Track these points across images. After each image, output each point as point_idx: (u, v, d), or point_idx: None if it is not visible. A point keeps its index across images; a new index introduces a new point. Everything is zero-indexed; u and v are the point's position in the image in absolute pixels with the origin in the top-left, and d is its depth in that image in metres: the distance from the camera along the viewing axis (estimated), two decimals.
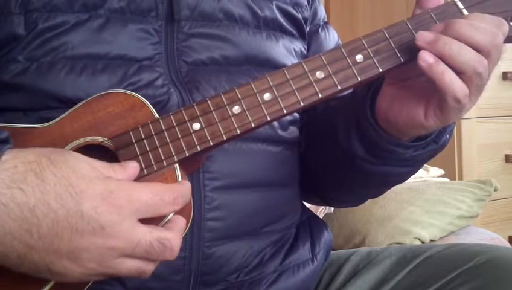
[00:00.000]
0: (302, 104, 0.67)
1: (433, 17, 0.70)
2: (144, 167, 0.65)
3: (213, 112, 0.66)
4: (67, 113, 0.68)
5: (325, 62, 0.68)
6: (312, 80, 0.68)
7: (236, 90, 0.67)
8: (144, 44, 0.76)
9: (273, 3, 0.87)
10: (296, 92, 0.67)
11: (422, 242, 1.56)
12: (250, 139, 0.78)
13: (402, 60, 0.69)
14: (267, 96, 0.67)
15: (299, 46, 0.90)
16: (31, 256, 0.57)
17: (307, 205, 0.95)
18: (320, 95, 0.67)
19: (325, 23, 0.97)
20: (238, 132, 0.66)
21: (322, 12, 0.97)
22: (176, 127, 0.66)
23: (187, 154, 0.65)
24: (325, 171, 0.88)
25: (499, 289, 0.74)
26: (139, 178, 0.63)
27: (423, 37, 0.66)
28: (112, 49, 0.74)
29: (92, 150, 0.65)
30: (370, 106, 0.77)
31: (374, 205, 1.62)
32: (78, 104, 0.68)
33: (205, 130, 0.66)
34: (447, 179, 1.89)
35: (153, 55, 0.76)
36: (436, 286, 0.79)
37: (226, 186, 0.76)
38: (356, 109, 0.78)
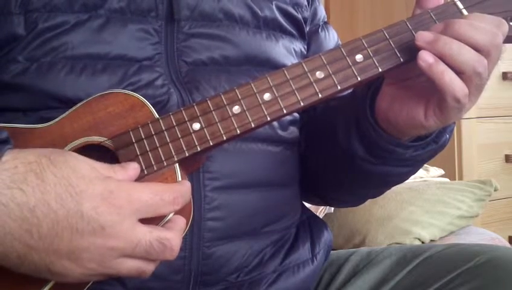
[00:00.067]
0: (302, 104, 0.67)
1: (433, 17, 0.70)
2: (143, 167, 0.65)
3: (213, 112, 0.66)
4: (67, 113, 0.68)
5: (325, 62, 0.68)
6: (312, 80, 0.68)
7: (236, 90, 0.67)
8: (143, 44, 0.76)
9: (273, 3, 0.87)
10: (296, 92, 0.67)
11: (422, 242, 1.56)
12: (250, 139, 0.78)
13: (402, 60, 0.69)
14: (267, 96, 0.67)
15: (299, 46, 0.90)
16: (31, 256, 0.57)
17: (307, 205, 0.95)
18: (320, 95, 0.67)
19: (325, 23, 0.97)
20: (238, 132, 0.66)
21: (321, 12, 0.97)
22: (176, 127, 0.66)
23: (187, 154, 0.65)
24: (325, 171, 0.88)
25: (499, 289, 0.74)
26: (139, 178, 0.63)
27: (423, 37, 0.66)
28: (112, 49, 0.74)
29: (92, 150, 0.65)
30: (370, 106, 0.77)
31: (374, 205, 1.62)
32: (78, 104, 0.68)
33: (205, 130, 0.66)
34: (447, 179, 1.89)
35: (153, 55, 0.76)
36: (436, 286, 0.79)
37: (226, 186, 0.76)
38: (356, 109, 0.78)
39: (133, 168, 0.63)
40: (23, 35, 0.71)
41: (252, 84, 0.67)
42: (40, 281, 0.60)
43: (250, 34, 0.83)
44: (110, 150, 0.66)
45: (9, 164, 0.57)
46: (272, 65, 0.82)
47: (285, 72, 0.68)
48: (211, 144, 0.66)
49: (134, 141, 0.65)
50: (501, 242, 1.60)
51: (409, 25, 0.70)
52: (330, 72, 0.68)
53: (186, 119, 0.66)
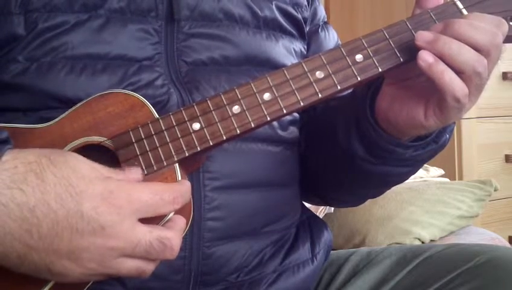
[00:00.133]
0: (301, 104, 0.67)
1: (433, 16, 0.70)
2: (143, 166, 0.65)
3: (213, 112, 0.66)
4: (67, 113, 0.68)
5: (325, 62, 0.68)
6: (312, 80, 0.68)
7: (236, 90, 0.67)
8: (143, 44, 0.76)
9: (273, 3, 0.87)
10: (295, 92, 0.67)
11: (422, 242, 1.56)
12: (250, 139, 0.78)
13: (402, 59, 0.69)
14: (266, 96, 0.67)
15: (298, 46, 0.90)
16: (31, 256, 0.57)
17: (307, 205, 0.95)
18: (320, 95, 0.67)
19: (325, 23, 0.97)
20: (238, 131, 0.66)
21: (321, 12, 0.97)
22: (176, 127, 0.66)
23: (187, 154, 0.65)
24: (325, 171, 0.88)
25: (499, 289, 0.74)
26: None
27: (423, 36, 0.66)
28: (111, 49, 0.74)
29: (91, 150, 0.65)
30: (370, 106, 0.77)
31: (374, 205, 1.62)
32: (78, 104, 0.68)
33: (205, 130, 0.66)
34: (447, 179, 1.89)
35: (152, 55, 0.76)
36: (436, 286, 0.79)
37: (226, 186, 0.76)
38: (356, 109, 0.78)
39: (134, 172, 0.63)
40: (23, 35, 0.71)
41: (252, 84, 0.67)
42: (40, 281, 0.60)
43: (250, 34, 0.83)
44: (110, 150, 0.66)
45: (9, 164, 0.57)
46: (271, 65, 0.82)
47: (285, 72, 0.68)
48: (211, 143, 0.66)
49: (134, 141, 0.65)
50: (501, 242, 1.60)
51: (408, 25, 0.70)
52: (330, 72, 0.68)
53: (186, 119, 0.66)
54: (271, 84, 0.67)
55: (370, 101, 0.77)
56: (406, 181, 0.88)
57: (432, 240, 1.58)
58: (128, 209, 0.59)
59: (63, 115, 0.68)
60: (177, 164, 0.65)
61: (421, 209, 1.62)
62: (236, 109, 0.66)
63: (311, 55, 0.76)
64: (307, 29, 0.93)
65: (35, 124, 0.68)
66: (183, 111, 0.66)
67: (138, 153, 0.65)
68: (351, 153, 0.80)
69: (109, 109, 0.67)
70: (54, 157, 0.59)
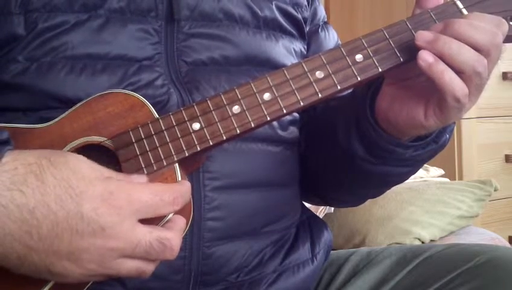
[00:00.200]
0: (301, 104, 0.67)
1: (433, 16, 0.70)
2: (143, 166, 0.65)
3: (213, 112, 0.66)
4: (66, 113, 0.68)
5: (325, 62, 0.68)
6: (312, 80, 0.68)
7: (236, 90, 0.67)
8: (143, 44, 0.76)
9: (273, 3, 0.87)
10: (295, 91, 0.67)
11: (422, 242, 1.56)
12: (250, 139, 0.78)
13: (402, 59, 0.69)
14: (266, 96, 0.67)
15: (298, 46, 0.90)
16: (31, 257, 0.57)
17: (307, 205, 0.95)
18: (320, 95, 0.67)
19: (325, 23, 0.97)
20: (238, 131, 0.66)
21: (321, 12, 0.97)
22: (176, 127, 0.66)
23: (187, 154, 0.65)
24: (325, 171, 0.88)
25: (499, 289, 0.74)
26: None
27: (423, 36, 0.66)
28: (111, 49, 0.74)
29: (91, 150, 0.65)
30: (370, 106, 0.77)
31: (374, 205, 1.62)
32: (78, 104, 0.68)
33: (205, 130, 0.66)
34: (447, 179, 1.89)
35: (152, 55, 0.76)
36: (436, 286, 0.79)
37: (226, 186, 0.76)
38: (356, 109, 0.78)
39: (137, 177, 0.63)
40: (23, 35, 0.71)
41: (252, 84, 0.67)
42: (40, 281, 0.60)
43: (250, 34, 0.83)
44: (110, 150, 0.66)
45: (9, 165, 0.57)
46: (271, 65, 0.82)
47: (285, 72, 0.68)
48: (211, 143, 0.66)
49: (134, 141, 0.65)
50: (501, 242, 1.60)
51: (408, 25, 0.70)
52: (330, 72, 0.68)
53: (186, 119, 0.66)
54: (271, 84, 0.67)
55: (370, 101, 0.77)
56: (406, 181, 0.88)
57: (432, 240, 1.58)
58: (128, 210, 0.59)
59: (63, 115, 0.68)
60: (177, 164, 0.65)
61: (421, 209, 1.62)
62: (236, 109, 0.66)
63: (311, 55, 0.76)
64: (307, 29, 0.93)
65: (35, 124, 0.68)
66: (183, 111, 0.66)
67: (138, 153, 0.65)
68: (351, 153, 0.80)
69: (109, 109, 0.67)
70: (54, 158, 0.59)
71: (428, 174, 1.86)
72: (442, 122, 0.71)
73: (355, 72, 0.68)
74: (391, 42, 0.69)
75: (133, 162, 0.65)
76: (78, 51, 0.73)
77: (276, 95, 0.67)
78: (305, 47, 0.92)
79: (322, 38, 0.94)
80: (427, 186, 1.71)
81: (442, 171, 1.92)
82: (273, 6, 0.87)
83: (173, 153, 0.65)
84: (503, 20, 0.68)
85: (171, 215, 0.62)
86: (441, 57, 0.65)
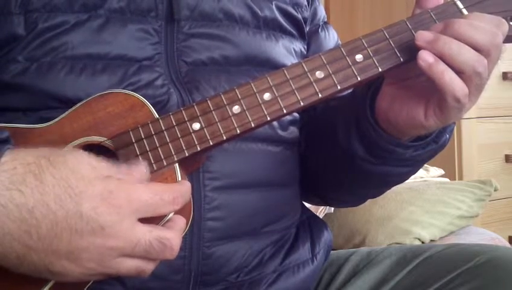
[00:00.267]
0: (301, 104, 0.67)
1: (433, 16, 0.70)
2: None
3: (213, 112, 0.66)
4: (67, 113, 0.68)
5: (325, 62, 0.68)
6: (312, 80, 0.68)
7: (236, 90, 0.67)
8: (143, 44, 0.76)
9: (273, 3, 0.87)
10: (295, 91, 0.67)
11: (422, 242, 1.56)
12: (250, 139, 0.78)
13: (402, 59, 0.69)
14: (266, 96, 0.67)
15: (298, 46, 0.90)
16: (30, 257, 0.57)
17: (307, 205, 0.95)
18: (320, 95, 0.67)
19: (325, 23, 0.97)
20: (238, 131, 0.66)
21: (321, 12, 0.97)
22: (176, 127, 0.66)
23: (187, 154, 0.65)
24: (325, 171, 0.88)
25: (499, 289, 0.74)
26: None
27: (423, 36, 0.66)
28: (111, 49, 0.74)
29: (91, 150, 0.65)
30: (370, 106, 0.77)
31: (374, 205, 1.62)
32: (78, 104, 0.68)
33: (205, 130, 0.66)
34: (447, 179, 1.89)
35: (152, 55, 0.76)
36: (436, 286, 0.79)
37: (226, 186, 0.76)
38: (356, 109, 0.78)
39: (137, 171, 0.62)
40: (23, 35, 0.71)
41: (252, 84, 0.67)
42: (40, 281, 0.60)
43: (250, 34, 0.83)
44: (110, 150, 0.66)
45: (8, 165, 0.57)
46: (271, 65, 0.82)
47: (285, 72, 0.68)
48: (211, 143, 0.66)
49: (134, 141, 0.65)
50: (501, 242, 1.60)
51: (408, 25, 0.70)
52: (330, 72, 0.68)
53: (186, 119, 0.66)
54: (271, 84, 0.67)
55: (370, 101, 0.77)
56: (406, 181, 0.88)
57: (432, 240, 1.58)
58: (128, 209, 0.59)
59: (63, 115, 0.68)
60: (177, 164, 0.65)
61: (421, 209, 1.62)
62: (236, 108, 0.66)
63: (311, 55, 0.76)
64: (307, 29, 0.93)
65: (35, 124, 0.68)
66: (183, 111, 0.66)
67: (138, 153, 0.65)
68: (351, 153, 0.80)
69: (109, 109, 0.67)
70: (53, 158, 0.59)
71: (428, 174, 1.87)
72: (442, 122, 0.71)
73: (355, 72, 0.68)
74: (391, 42, 0.69)
75: (133, 162, 0.65)
76: (78, 51, 0.73)
77: (276, 95, 0.67)
78: (305, 47, 0.92)
79: (322, 38, 0.94)
80: (427, 186, 1.71)
81: (442, 171, 1.92)
82: (273, 6, 0.87)
83: (173, 153, 0.65)
84: (503, 20, 0.68)
85: (171, 215, 0.62)
86: (441, 57, 0.65)
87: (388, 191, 0.92)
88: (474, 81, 0.66)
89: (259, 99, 0.67)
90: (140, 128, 0.66)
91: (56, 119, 0.67)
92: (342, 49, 0.69)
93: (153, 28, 0.76)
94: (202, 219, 0.75)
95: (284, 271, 0.83)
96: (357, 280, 0.88)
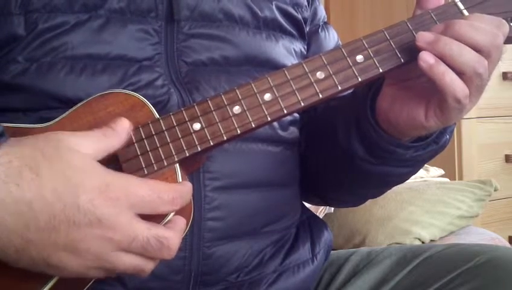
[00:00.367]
0: (302, 104, 0.67)
1: (434, 17, 0.70)
2: (144, 166, 0.65)
3: (213, 112, 0.66)
4: (67, 113, 0.68)
5: (326, 62, 0.68)
6: (312, 80, 0.68)
7: (237, 91, 0.67)
8: (143, 44, 0.76)
9: (273, 3, 0.87)
10: (296, 92, 0.67)
11: (422, 242, 1.56)
12: (250, 139, 0.78)
13: (402, 60, 0.69)
14: (267, 96, 0.67)
15: (299, 46, 0.90)
16: (28, 250, 0.57)
17: (307, 205, 0.95)
18: (320, 96, 0.67)
19: (325, 23, 0.97)
20: (239, 131, 0.66)
21: (321, 13, 0.97)
22: (176, 127, 0.66)
23: (187, 154, 0.65)
24: (325, 171, 0.88)
25: (499, 289, 0.74)
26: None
27: (423, 37, 0.66)
28: (111, 49, 0.74)
29: None
30: (370, 106, 0.77)
31: (374, 205, 1.62)
32: (78, 104, 0.68)
33: (205, 130, 0.66)
34: (447, 179, 1.89)
35: (152, 56, 0.76)
36: (436, 286, 0.79)
37: (226, 186, 0.76)
38: (356, 109, 0.78)
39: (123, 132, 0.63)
40: (23, 36, 0.71)
41: (253, 85, 0.67)
42: (41, 280, 0.60)
43: (250, 35, 0.83)
44: None
45: (3, 158, 0.57)
46: (271, 65, 0.82)
47: (286, 72, 0.68)
48: (211, 144, 0.66)
49: (134, 141, 0.65)
50: (501, 242, 1.60)
51: (409, 26, 0.70)
52: (331, 72, 0.68)
53: (187, 119, 0.66)
54: (271, 84, 0.67)
55: (370, 101, 0.77)
56: (406, 181, 0.88)
57: (432, 240, 1.58)
58: (125, 202, 0.59)
59: (63, 115, 0.68)
60: (177, 164, 0.65)
61: (421, 209, 1.62)
62: (236, 109, 0.66)
63: (311, 56, 0.76)
64: (307, 29, 0.93)
65: (36, 124, 0.68)
66: (183, 111, 0.66)
67: (139, 153, 0.65)
68: (351, 153, 0.80)
69: (109, 109, 0.67)
70: (47, 150, 0.59)
71: (428, 174, 1.87)
72: (443, 123, 0.71)
73: (356, 72, 0.68)
74: (392, 43, 0.69)
75: (134, 162, 0.65)
76: (78, 51, 0.72)
77: (277, 95, 0.67)
78: (305, 47, 0.92)
79: (322, 39, 0.94)
80: (427, 186, 1.71)
81: (442, 171, 1.92)
82: (273, 7, 0.87)
83: (174, 153, 0.65)
84: (504, 21, 0.68)
85: (171, 215, 0.62)
86: (442, 58, 0.65)
87: (388, 191, 0.92)
88: (474, 82, 0.66)
89: (259, 99, 0.67)
90: (140, 129, 0.66)
91: (56, 119, 0.67)
92: (343, 50, 0.69)
93: (153, 28, 0.76)
94: (202, 219, 0.75)
95: (284, 271, 0.83)
96: (357, 280, 0.88)
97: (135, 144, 0.65)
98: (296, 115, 0.86)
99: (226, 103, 0.67)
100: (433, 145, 0.78)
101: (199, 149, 0.66)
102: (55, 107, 0.71)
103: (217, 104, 0.67)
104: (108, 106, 0.67)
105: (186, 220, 0.64)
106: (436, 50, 0.65)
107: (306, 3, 0.93)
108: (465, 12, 0.70)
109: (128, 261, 0.60)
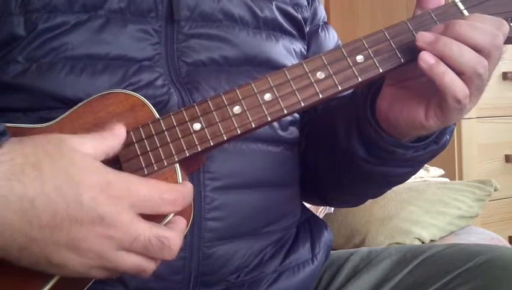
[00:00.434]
0: (302, 104, 0.67)
1: (434, 17, 0.70)
2: (144, 166, 0.65)
3: (213, 112, 0.66)
4: (67, 113, 0.68)
5: (326, 62, 0.68)
6: (312, 81, 0.68)
7: (237, 91, 0.67)
8: (143, 44, 0.76)
9: (273, 3, 0.87)
10: (296, 92, 0.67)
11: (422, 242, 1.56)
12: (250, 139, 0.78)
13: (402, 60, 0.69)
14: (267, 96, 0.67)
15: (299, 46, 0.90)
16: (31, 248, 0.57)
17: (307, 205, 0.95)
18: (320, 96, 0.67)
19: (325, 23, 0.97)
20: (239, 132, 0.66)
21: (321, 13, 0.97)
22: (177, 127, 0.66)
23: (187, 154, 0.65)
24: (325, 171, 0.88)
25: (499, 289, 0.74)
26: None
27: (423, 37, 0.66)
28: (111, 49, 0.74)
29: None
30: (370, 107, 0.77)
31: (374, 205, 1.62)
32: (79, 104, 0.68)
33: (206, 130, 0.66)
34: (447, 179, 1.89)
35: (152, 56, 0.76)
36: (436, 286, 0.79)
37: (226, 186, 0.76)
38: (356, 109, 0.78)
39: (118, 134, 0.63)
40: (23, 36, 0.71)
41: (253, 85, 0.67)
42: (43, 278, 0.60)
43: (250, 35, 0.83)
44: None
45: (5, 156, 0.57)
46: (271, 65, 0.82)
47: (286, 72, 0.68)
48: (212, 144, 0.66)
49: (134, 141, 0.65)
50: (501, 242, 1.60)
51: (409, 26, 0.70)
52: (331, 72, 0.68)
53: (187, 119, 0.66)
54: (272, 84, 0.67)
55: (370, 101, 0.77)
56: (406, 181, 0.88)
57: (432, 240, 1.58)
58: (127, 201, 0.59)
59: (64, 115, 0.68)
60: (177, 164, 0.65)
61: (421, 209, 1.62)
62: (237, 109, 0.66)
63: (311, 56, 0.76)
64: (307, 29, 0.93)
65: (36, 124, 0.68)
66: (183, 111, 0.66)
67: (139, 153, 0.65)
68: (351, 153, 0.80)
69: (110, 108, 0.67)
70: (50, 148, 0.59)
71: (428, 174, 1.87)
72: (443, 123, 0.71)
73: (356, 72, 0.68)
74: (392, 43, 0.69)
75: (134, 162, 0.65)
76: (78, 51, 0.73)
77: (277, 95, 0.67)
78: (305, 47, 0.92)
79: (322, 39, 0.94)
80: (427, 186, 1.71)
81: (442, 171, 1.92)
82: (273, 7, 0.87)
83: (174, 153, 0.65)
84: (504, 21, 0.68)
85: (171, 215, 0.62)
86: (442, 58, 0.65)
87: (388, 191, 0.92)
88: (474, 82, 0.66)
89: (259, 99, 0.67)
90: (141, 129, 0.66)
91: (57, 119, 0.67)
92: (343, 50, 0.69)
93: (153, 28, 0.77)
94: (202, 219, 0.75)
95: (284, 271, 0.83)
96: (357, 280, 0.88)
97: (135, 144, 0.65)
98: (296, 115, 0.86)
99: (226, 103, 0.67)
100: (433, 145, 0.78)
101: (199, 149, 0.66)
102: (55, 107, 0.71)
103: (217, 104, 0.67)
104: (108, 106, 0.67)
105: (186, 220, 0.64)
106: (436, 50, 0.65)
107: (306, 3, 0.93)
108: (465, 13, 0.70)
109: (129, 261, 0.60)
